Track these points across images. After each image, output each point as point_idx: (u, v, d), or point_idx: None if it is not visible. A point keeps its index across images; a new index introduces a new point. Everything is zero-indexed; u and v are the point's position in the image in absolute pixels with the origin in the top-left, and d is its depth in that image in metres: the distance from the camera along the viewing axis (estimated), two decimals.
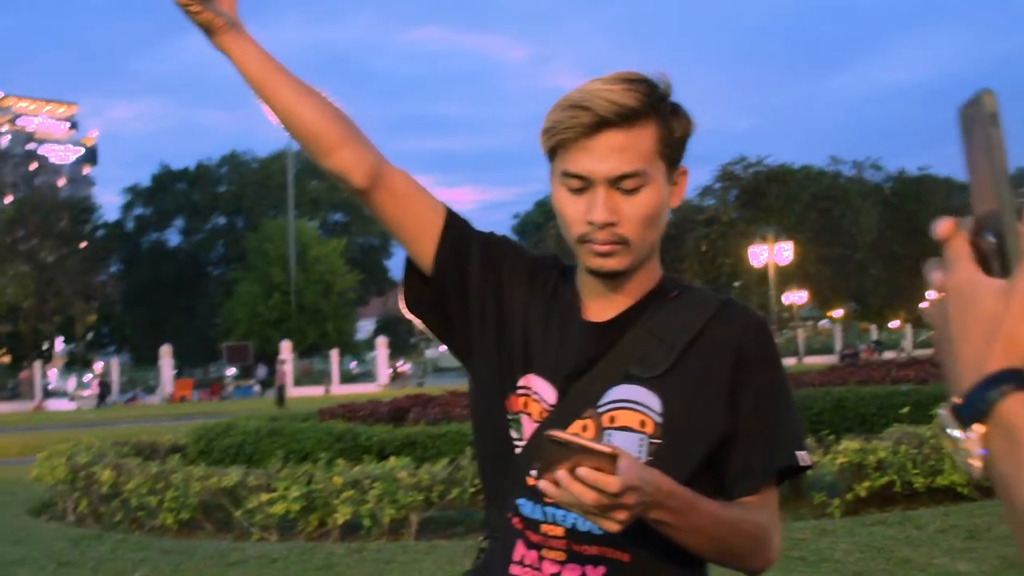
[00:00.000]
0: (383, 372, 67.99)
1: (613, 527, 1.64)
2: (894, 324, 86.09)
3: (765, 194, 71.20)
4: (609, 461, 1.58)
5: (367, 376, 72.89)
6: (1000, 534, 8.39)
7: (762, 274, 58.11)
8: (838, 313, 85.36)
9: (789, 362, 57.18)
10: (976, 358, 0.91)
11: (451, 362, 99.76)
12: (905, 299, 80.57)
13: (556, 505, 1.85)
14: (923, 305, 1.01)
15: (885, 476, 9.90)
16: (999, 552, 7.88)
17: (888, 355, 50.42)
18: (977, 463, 0.90)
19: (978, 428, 0.89)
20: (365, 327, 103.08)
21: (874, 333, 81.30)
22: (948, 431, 0.92)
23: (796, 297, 68.93)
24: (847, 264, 74.92)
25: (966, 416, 0.90)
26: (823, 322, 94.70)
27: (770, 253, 53.46)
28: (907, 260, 75.67)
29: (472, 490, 9.90)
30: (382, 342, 70.43)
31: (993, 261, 0.94)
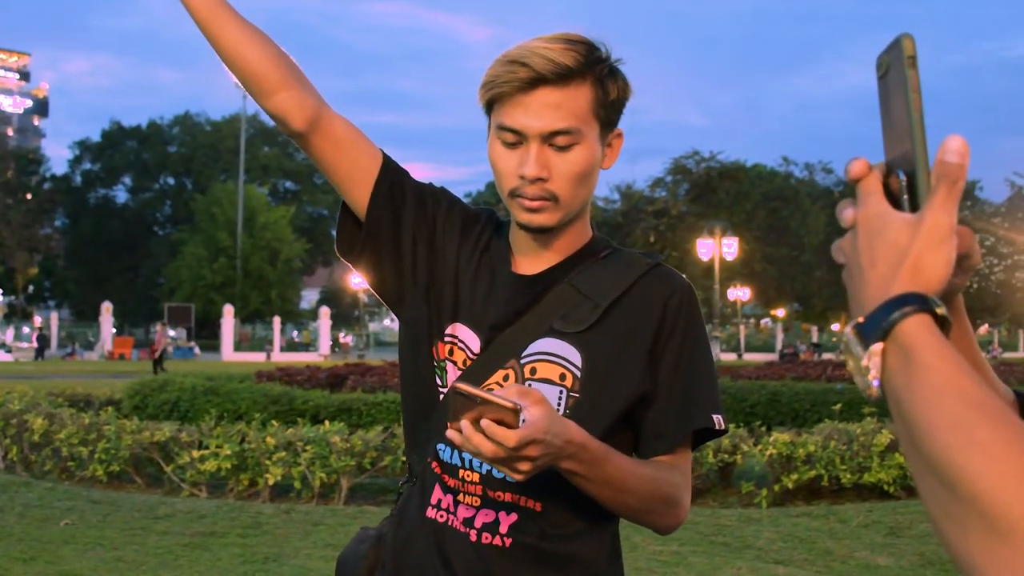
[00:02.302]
0: (325, 342, 67.78)
1: (516, 476, 1.70)
2: (836, 327, 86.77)
3: (716, 190, 71.67)
4: (513, 415, 1.63)
5: (309, 345, 72.67)
6: (920, 532, 8.53)
7: (708, 268, 58.34)
8: (781, 312, 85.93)
9: (729, 358, 57.55)
10: (883, 284, 0.96)
11: (393, 336, 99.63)
12: (847, 303, 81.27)
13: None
14: (836, 242, 1.06)
15: (813, 470, 10.02)
16: (918, 549, 8.02)
17: (827, 357, 50.73)
18: (874, 379, 0.95)
19: (877, 346, 0.94)
20: (309, 296, 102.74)
21: (815, 335, 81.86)
22: (851, 348, 0.98)
23: (740, 294, 69.29)
24: (792, 264, 75.55)
25: (868, 334, 0.95)
26: (765, 320, 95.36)
27: (716, 248, 53.66)
28: None
29: (404, 459, 9.89)
30: (325, 312, 70.22)
31: (903, 197, 1.00)
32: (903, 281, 0.95)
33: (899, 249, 0.96)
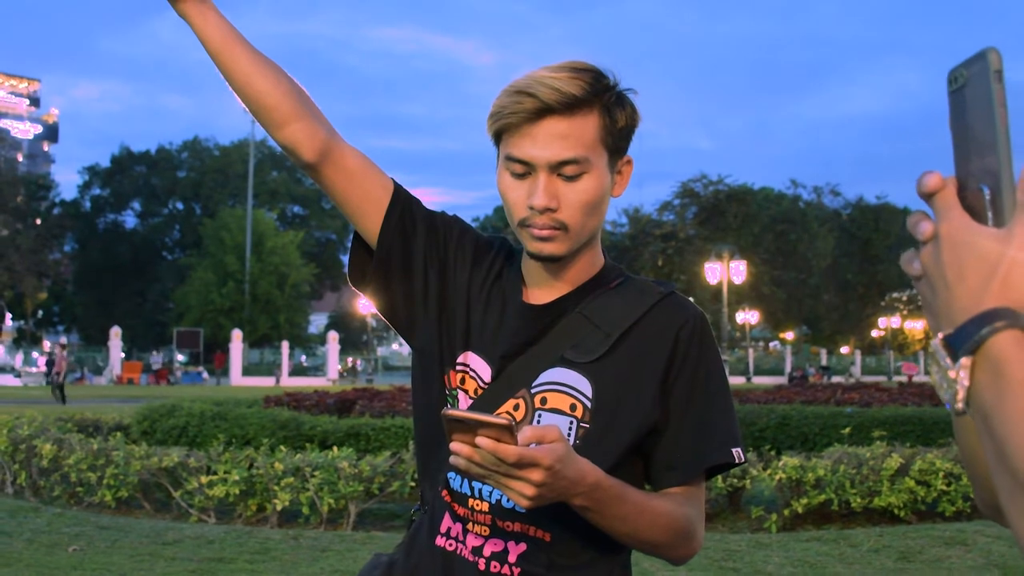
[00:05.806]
0: (333, 366, 67.80)
1: (521, 501, 1.68)
2: (844, 350, 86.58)
3: (724, 213, 71.67)
4: (507, 432, 1.62)
5: (317, 370, 72.72)
6: (931, 557, 8.48)
7: (716, 292, 58.30)
8: (789, 335, 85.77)
9: (738, 381, 57.45)
10: (973, 297, 0.95)
11: (402, 360, 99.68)
12: (856, 325, 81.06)
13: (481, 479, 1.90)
14: (906, 254, 1.05)
15: (823, 494, 9.97)
16: (929, 575, 7.97)
17: (836, 380, 50.55)
18: (960, 392, 0.94)
19: (967, 360, 0.93)
20: (318, 321, 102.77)
21: (824, 358, 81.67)
22: (938, 359, 0.97)
23: (748, 317, 69.19)
24: (800, 288, 75.45)
25: (957, 347, 0.94)
26: (774, 344, 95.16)
27: (725, 271, 53.62)
28: (860, 288, 76.30)
29: (412, 484, 9.89)
30: (333, 337, 70.26)
31: (985, 212, 0.98)
32: (994, 296, 0.94)
33: (989, 264, 0.94)
